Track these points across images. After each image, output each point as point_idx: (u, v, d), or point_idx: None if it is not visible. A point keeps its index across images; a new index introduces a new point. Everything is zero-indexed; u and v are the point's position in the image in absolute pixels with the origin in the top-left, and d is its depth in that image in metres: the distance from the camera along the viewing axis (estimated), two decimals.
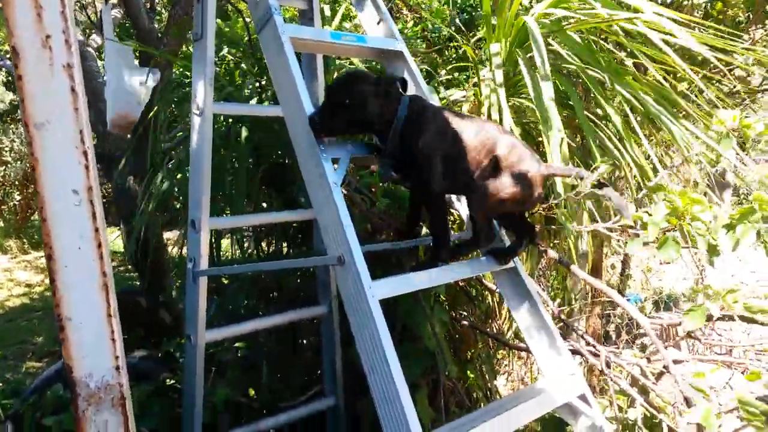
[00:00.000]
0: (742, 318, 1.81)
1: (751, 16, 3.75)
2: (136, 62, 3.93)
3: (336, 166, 1.79)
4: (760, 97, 4.66)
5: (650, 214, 2.10)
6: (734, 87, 3.83)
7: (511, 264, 1.99)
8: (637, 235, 2.12)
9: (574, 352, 2.25)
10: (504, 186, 1.75)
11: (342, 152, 1.83)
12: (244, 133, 2.61)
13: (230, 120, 2.76)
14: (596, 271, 4.09)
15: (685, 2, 3.70)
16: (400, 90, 1.86)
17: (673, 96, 2.34)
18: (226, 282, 3.08)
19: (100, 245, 1.29)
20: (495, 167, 1.78)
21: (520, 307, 2.01)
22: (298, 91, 1.82)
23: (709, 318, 1.88)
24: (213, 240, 3.11)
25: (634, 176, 2.36)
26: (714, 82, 3.66)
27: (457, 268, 1.90)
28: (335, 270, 1.73)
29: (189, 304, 2.34)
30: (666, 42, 2.21)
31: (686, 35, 2.14)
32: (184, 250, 3.43)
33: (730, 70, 4.22)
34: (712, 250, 1.96)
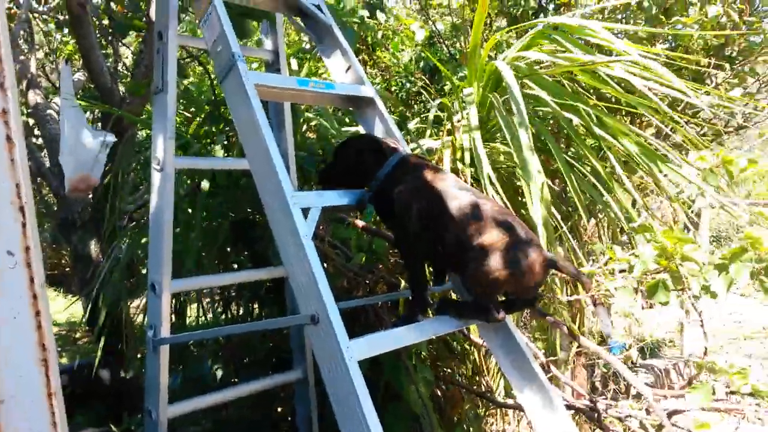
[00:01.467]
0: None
1: (711, 62, 3.84)
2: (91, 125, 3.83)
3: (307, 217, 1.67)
4: (726, 138, 4.75)
5: (637, 256, 2.01)
6: (701, 129, 3.88)
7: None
8: (623, 283, 2.03)
9: (569, 407, 2.10)
10: (497, 267, 1.64)
11: (313, 201, 1.71)
12: (205, 186, 2.47)
13: (196, 177, 2.63)
14: (578, 319, 3.98)
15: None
16: (393, 148, 1.92)
17: (647, 137, 2.31)
18: (193, 349, 2.87)
19: (38, 313, 1.13)
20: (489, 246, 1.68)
21: (510, 362, 1.87)
22: (264, 141, 1.71)
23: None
24: (177, 304, 2.92)
25: (616, 219, 2.28)
26: (680, 125, 3.69)
27: (440, 323, 1.76)
28: (308, 330, 1.58)
29: (149, 375, 2.14)
30: (646, 86, 2.20)
31: (673, 78, 2.12)
32: None
33: (695, 113, 4.30)
34: (707, 292, 1.86)
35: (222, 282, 2.38)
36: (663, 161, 2.16)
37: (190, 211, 2.63)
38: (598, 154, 2.29)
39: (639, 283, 2.01)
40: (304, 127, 3.12)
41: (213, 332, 2.10)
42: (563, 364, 4.00)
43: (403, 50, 5.41)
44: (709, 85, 3.68)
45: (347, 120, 3.30)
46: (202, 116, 2.66)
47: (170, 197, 2.11)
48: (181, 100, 2.88)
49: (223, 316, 3.27)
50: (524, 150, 1.95)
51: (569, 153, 2.46)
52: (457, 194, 1.74)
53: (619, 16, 4.30)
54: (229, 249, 2.64)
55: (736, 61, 4.09)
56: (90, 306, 3.77)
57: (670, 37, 4.10)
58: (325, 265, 2.59)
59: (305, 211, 1.67)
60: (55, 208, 4.80)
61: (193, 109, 2.87)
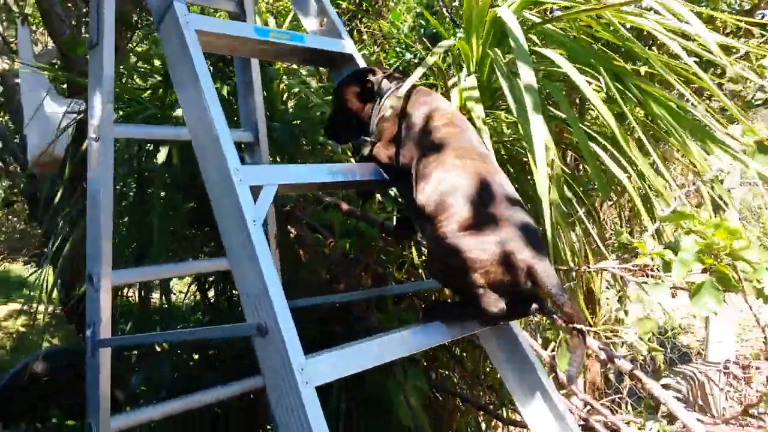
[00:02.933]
0: None
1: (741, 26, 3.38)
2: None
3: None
4: (753, 113, 4.29)
5: (674, 251, 1.63)
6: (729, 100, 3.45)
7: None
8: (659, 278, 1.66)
9: (586, 429, 1.75)
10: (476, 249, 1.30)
11: (265, 177, 1.35)
12: (161, 159, 2.12)
13: (150, 146, 2.28)
14: (591, 304, 3.61)
15: None
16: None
17: (685, 106, 1.92)
18: (157, 347, 2.54)
19: None
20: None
21: (512, 371, 1.52)
22: (204, 100, 1.35)
23: None
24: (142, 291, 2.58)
25: (644, 202, 1.91)
26: (704, 98, 3.26)
27: (426, 333, 1.40)
28: (255, 343, 1.23)
29: (89, 382, 1.81)
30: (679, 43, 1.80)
31: (706, 32, 1.72)
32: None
33: (720, 85, 3.85)
34: (760, 296, 1.50)
35: (174, 273, 2.04)
36: (705, 135, 1.77)
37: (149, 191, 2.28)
38: (622, 124, 1.91)
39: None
40: (285, 96, 2.75)
41: (157, 336, 1.76)
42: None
43: (404, 22, 5.00)
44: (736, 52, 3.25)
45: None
46: (157, 77, 2.30)
47: (108, 173, 1.76)
48: (138, 62, 2.51)
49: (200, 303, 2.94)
50: (530, 116, 1.57)
51: (585, 123, 2.07)
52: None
53: None
54: (191, 234, 2.30)
55: None
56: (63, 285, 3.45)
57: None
58: (302, 252, 2.25)
59: (255, 191, 1.31)
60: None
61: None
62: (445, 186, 1.37)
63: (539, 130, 1.61)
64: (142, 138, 2.16)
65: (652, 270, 1.86)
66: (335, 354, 1.22)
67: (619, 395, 2.97)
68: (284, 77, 2.65)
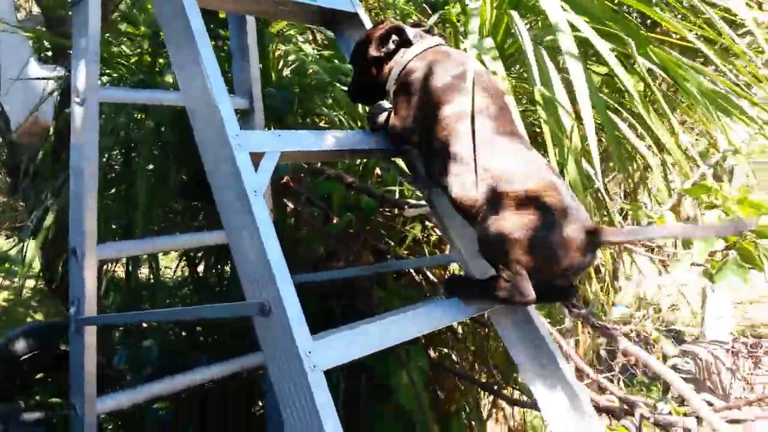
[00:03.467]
0: None
1: None
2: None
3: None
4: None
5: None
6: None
7: None
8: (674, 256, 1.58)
9: (598, 409, 1.69)
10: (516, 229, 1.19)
11: (267, 143, 1.23)
12: (150, 125, 1.99)
13: (139, 114, 2.15)
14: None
15: None
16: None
17: (704, 71, 1.82)
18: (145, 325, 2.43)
19: None
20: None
21: (525, 350, 1.43)
22: (199, 55, 1.23)
23: None
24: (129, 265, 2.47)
25: (667, 171, 1.82)
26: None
27: (444, 310, 1.31)
28: (257, 324, 1.14)
29: (73, 362, 1.71)
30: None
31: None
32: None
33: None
34: None
35: (162, 247, 1.93)
36: (730, 104, 1.68)
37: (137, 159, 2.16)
38: (645, 95, 1.82)
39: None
40: (281, 63, 2.61)
41: (145, 315, 1.65)
42: (567, 333, 3.61)
43: None
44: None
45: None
46: (144, 39, 2.15)
47: (93, 139, 1.63)
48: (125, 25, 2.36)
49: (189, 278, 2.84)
50: (552, 82, 1.47)
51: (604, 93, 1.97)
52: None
53: None
54: (181, 207, 2.18)
55: None
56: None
57: None
58: (297, 229, 2.15)
59: (256, 160, 1.20)
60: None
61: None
62: (494, 171, 1.25)
63: (562, 96, 1.51)
64: (130, 102, 2.02)
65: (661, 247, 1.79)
66: (345, 335, 1.12)
67: (612, 372, 2.93)
68: (279, 44, 2.52)
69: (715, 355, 2.12)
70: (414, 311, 1.26)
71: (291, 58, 2.63)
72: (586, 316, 1.58)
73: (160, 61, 2.36)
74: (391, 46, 1.42)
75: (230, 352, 1.96)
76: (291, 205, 2.05)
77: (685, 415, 1.73)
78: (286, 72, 2.51)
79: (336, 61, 2.47)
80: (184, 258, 2.83)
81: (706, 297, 3.86)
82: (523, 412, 2.49)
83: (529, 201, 1.22)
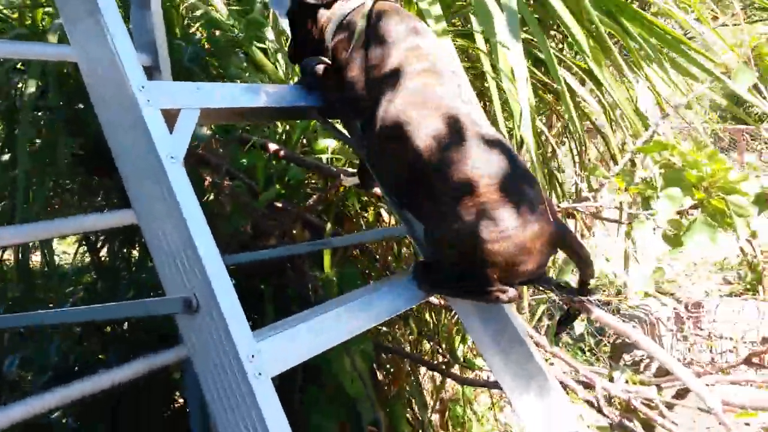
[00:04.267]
0: None
1: None
2: None
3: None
4: None
5: (653, 186, 1.47)
6: None
7: None
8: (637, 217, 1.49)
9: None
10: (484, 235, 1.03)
11: (183, 98, 0.99)
12: (30, 89, 1.65)
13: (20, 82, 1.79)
14: None
15: None
16: None
17: (655, 22, 1.73)
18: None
19: None
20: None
21: (502, 356, 1.29)
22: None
23: None
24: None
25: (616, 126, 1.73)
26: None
27: (396, 295, 1.13)
28: (182, 323, 0.91)
29: None
30: None
31: None
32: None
33: None
34: (754, 234, 1.36)
35: (56, 232, 1.61)
36: (683, 55, 1.60)
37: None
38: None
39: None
40: (186, 19, 2.30)
41: (42, 317, 1.36)
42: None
43: None
44: None
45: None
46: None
47: None
48: None
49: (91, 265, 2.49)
50: (508, 43, 1.32)
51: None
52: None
53: None
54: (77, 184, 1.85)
55: None
56: None
57: None
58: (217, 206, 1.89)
59: (170, 118, 0.96)
60: None
61: None
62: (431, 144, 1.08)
63: (515, 46, 1.35)
64: (7, 56, 1.66)
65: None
66: (294, 332, 0.92)
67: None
68: None
69: (659, 318, 2.12)
70: (368, 297, 1.08)
71: (198, 12, 2.32)
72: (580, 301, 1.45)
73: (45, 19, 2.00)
74: None
75: (144, 347, 1.69)
76: (209, 179, 1.80)
77: (641, 383, 1.68)
78: (195, 30, 2.21)
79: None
80: (84, 242, 2.49)
81: (628, 258, 3.92)
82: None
83: (501, 195, 1.06)
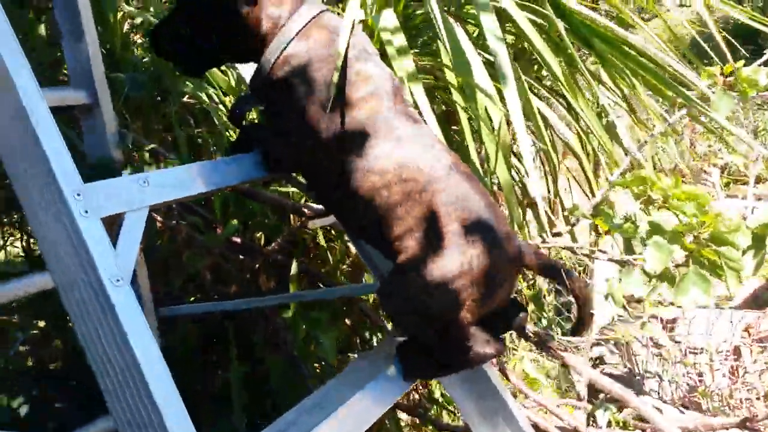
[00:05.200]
0: None
1: None
2: None
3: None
4: None
5: (631, 226, 1.39)
6: None
7: None
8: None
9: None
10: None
11: (128, 195, 0.84)
12: None
13: None
14: None
15: None
16: None
17: (630, 43, 1.64)
18: None
19: None
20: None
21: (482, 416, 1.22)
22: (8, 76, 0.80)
23: None
24: None
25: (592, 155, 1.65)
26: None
27: (384, 389, 1.03)
28: None
29: None
30: None
31: None
32: None
33: None
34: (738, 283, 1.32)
35: None
36: (658, 79, 1.51)
37: None
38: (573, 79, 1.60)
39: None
40: (126, 27, 2.08)
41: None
42: None
43: None
44: None
45: None
46: None
47: None
48: None
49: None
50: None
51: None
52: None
53: None
54: None
55: None
56: None
57: None
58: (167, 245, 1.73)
59: (110, 222, 0.81)
60: None
61: None
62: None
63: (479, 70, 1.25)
64: None
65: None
66: None
67: None
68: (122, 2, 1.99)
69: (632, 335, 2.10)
70: (361, 395, 0.98)
71: (138, 21, 2.11)
72: (542, 339, 1.39)
73: None
74: None
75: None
76: (161, 221, 1.63)
77: (624, 425, 1.64)
78: (137, 45, 2.00)
79: None
80: None
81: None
82: None
83: (471, 232, 0.99)
